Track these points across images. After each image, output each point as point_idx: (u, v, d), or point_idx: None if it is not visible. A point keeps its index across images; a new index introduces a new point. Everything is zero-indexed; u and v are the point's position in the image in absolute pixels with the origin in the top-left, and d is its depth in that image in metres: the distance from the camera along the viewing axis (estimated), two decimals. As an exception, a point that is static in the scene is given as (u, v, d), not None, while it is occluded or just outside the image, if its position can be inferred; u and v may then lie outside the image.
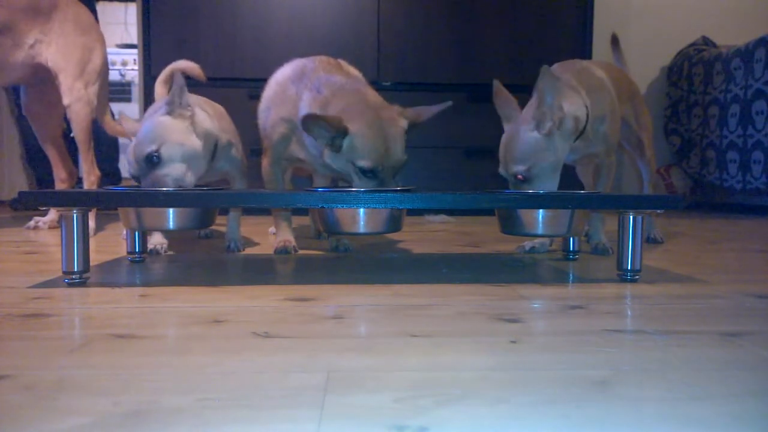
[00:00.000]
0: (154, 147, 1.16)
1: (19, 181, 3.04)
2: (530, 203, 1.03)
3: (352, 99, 1.20)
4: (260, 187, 1.34)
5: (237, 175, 1.41)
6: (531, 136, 1.17)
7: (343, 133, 1.14)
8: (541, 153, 1.17)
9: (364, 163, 1.15)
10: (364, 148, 1.15)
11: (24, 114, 1.95)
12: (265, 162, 1.36)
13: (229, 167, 1.38)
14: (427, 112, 1.23)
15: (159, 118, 1.20)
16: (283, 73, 1.35)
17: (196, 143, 1.21)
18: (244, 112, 1.56)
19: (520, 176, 1.18)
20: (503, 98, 1.24)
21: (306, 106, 1.23)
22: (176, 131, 1.18)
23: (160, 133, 1.17)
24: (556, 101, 1.15)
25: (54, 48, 1.72)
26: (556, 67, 1.32)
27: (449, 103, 1.23)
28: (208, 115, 1.28)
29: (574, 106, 1.20)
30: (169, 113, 1.20)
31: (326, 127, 1.13)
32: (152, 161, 1.16)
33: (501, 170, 1.22)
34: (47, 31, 1.71)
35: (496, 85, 1.25)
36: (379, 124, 1.16)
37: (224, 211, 1.43)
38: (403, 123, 1.20)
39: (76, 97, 1.74)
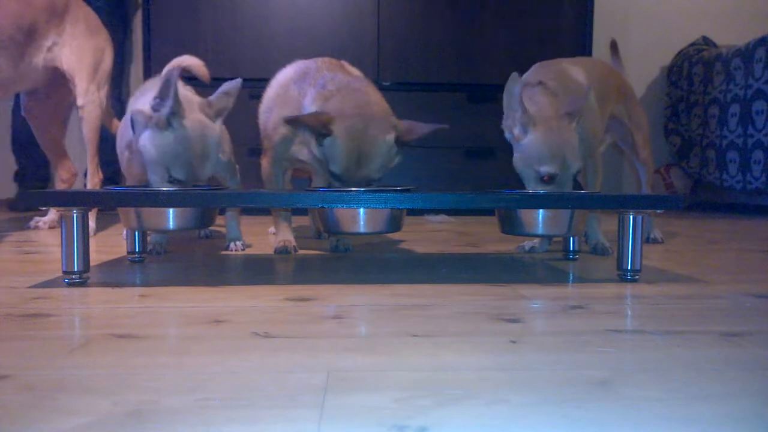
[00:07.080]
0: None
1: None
2: (530, 203, 1.03)
3: (350, 100, 1.19)
4: (258, 187, 1.33)
5: (227, 176, 1.39)
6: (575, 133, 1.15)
7: (327, 131, 1.15)
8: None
9: (333, 168, 1.17)
10: (338, 154, 1.15)
11: (23, 115, 1.94)
12: (265, 162, 1.36)
13: (218, 168, 1.36)
14: (419, 129, 1.18)
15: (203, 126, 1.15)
16: (286, 74, 1.35)
17: (216, 127, 1.18)
18: (244, 112, 1.56)
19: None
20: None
21: (310, 101, 1.23)
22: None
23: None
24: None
25: (68, 50, 1.70)
26: (536, 67, 1.31)
27: (446, 126, 1.19)
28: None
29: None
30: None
31: (308, 127, 1.16)
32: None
33: (550, 169, 1.11)
34: (61, 32, 1.70)
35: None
36: (360, 135, 1.14)
37: (223, 211, 1.42)
38: (389, 138, 1.16)
39: (89, 99, 1.73)
